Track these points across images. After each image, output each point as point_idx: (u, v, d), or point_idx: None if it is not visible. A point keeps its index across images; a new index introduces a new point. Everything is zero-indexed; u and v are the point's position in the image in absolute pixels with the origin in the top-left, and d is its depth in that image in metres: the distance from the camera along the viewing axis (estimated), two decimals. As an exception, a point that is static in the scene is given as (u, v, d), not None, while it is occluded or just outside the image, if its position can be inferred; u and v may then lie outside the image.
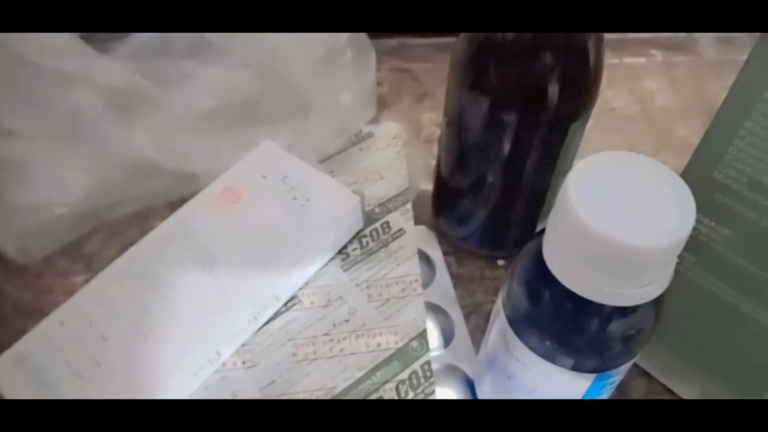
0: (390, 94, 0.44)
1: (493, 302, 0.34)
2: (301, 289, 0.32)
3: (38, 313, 0.33)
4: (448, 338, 0.32)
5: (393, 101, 0.44)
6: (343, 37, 0.37)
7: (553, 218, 0.21)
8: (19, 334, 0.29)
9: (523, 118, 0.28)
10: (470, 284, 0.35)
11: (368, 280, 0.32)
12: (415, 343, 0.30)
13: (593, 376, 0.23)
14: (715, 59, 0.46)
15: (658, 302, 0.21)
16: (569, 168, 0.31)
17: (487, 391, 0.28)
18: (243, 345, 0.31)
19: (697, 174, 0.23)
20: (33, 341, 0.29)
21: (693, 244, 0.19)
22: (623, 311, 0.21)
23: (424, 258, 0.35)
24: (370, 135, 0.39)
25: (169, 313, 0.29)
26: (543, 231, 0.22)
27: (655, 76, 0.45)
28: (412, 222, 0.35)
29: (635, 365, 0.29)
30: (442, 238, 0.37)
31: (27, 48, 0.33)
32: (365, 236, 0.34)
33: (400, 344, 0.30)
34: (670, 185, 0.20)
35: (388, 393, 0.29)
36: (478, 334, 0.33)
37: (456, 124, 0.31)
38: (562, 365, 0.23)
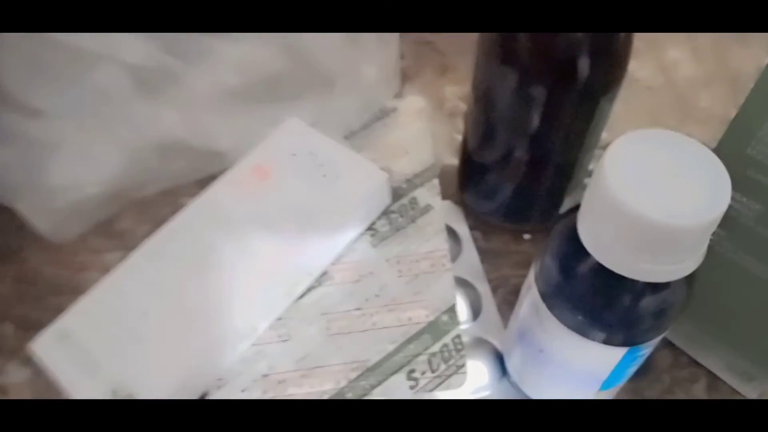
0: (412, 67, 0.44)
1: (520, 276, 0.34)
2: (332, 264, 0.33)
3: (74, 290, 0.34)
4: (476, 312, 0.33)
5: (415, 74, 0.44)
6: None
7: (589, 195, 0.21)
8: (56, 311, 0.30)
9: (552, 92, 0.28)
10: (497, 258, 0.35)
11: (397, 255, 0.33)
12: (445, 317, 0.31)
13: (625, 349, 0.24)
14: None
15: (690, 277, 0.21)
16: (597, 142, 0.32)
17: (517, 363, 0.29)
18: (278, 319, 0.31)
19: (730, 150, 0.23)
20: (73, 318, 0.30)
21: (724, 219, 0.19)
22: (656, 287, 0.22)
23: (451, 233, 0.35)
24: (394, 110, 0.39)
25: (205, 289, 0.30)
26: (575, 208, 0.23)
27: (678, 46, 0.45)
28: (439, 198, 0.35)
29: (662, 336, 0.29)
30: (468, 212, 0.37)
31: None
32: (393, 212, 0.34)
33: (431, 318, 0.31)
34: (705, 163, 0.20)
35: (421, 365, 0.30)
36: (505, 307, 0.33)
37: (484, 98, 0.31)
38: (593, 339, 0.23)
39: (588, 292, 0.23)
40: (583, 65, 0.27)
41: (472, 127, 0.33)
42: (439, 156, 0.38)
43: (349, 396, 0.29)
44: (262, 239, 0.31)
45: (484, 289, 0.34)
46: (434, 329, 0.31)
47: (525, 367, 0.28)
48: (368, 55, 0.38)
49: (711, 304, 0.28)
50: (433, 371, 0.29)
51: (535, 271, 0.25)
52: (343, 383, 0.29)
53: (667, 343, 0.32)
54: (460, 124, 0.41)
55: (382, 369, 0.30)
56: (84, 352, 0.29)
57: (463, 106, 0.42)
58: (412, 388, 0.29)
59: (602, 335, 0.23)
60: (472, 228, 0.36)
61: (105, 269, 0.34)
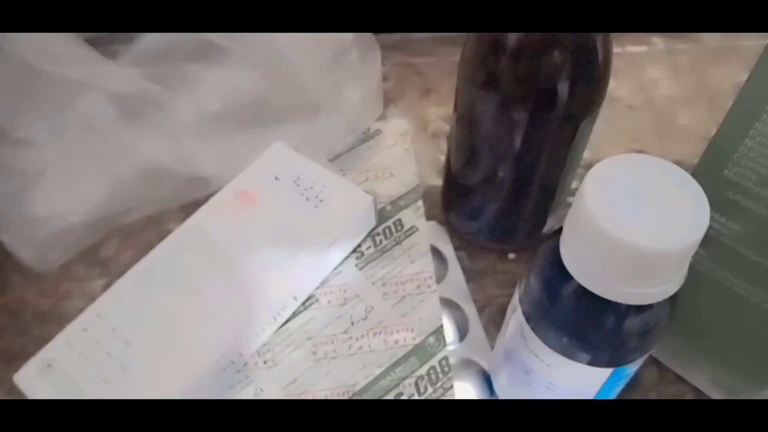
0: (395, 89, 0.44)
1: (506, 296, 0.35)
2: (318, 288, 0.33)
3: (59, 319, 0.34)
4: (462, 332, 0.33)
5: (398, 96, 0.44)
6: (349, 36, 0.37)
7: (570, 220, 0.21)
8: (41, 341, 0.30)
9: (533, 116, 0.28)
10: (482, 278, 0.35)
11: (383, 277, 0.33)
12: (432, 339, 0.31)
13: (610, 370, 0.24)
14: (716, 46, 0.47)
15: (673, 297, 0.22)
16: (579, 162, 0.32)
17: (504, 384, 0.29)
18: (264, 345, 0.31)
19: (708, 171, 0.24)
20: (57, 348, 0.30)
21: (705, 239, 0.19)
22: (639, 308, 0.22)
23: (436, 253, 0.36)
24: (378, 132, 0.40)
25: (190, 316, 0.30)
26: (558, 231, 0.23)
27: (658, 65, 0.46)
28: (424, 219, 0.35)
29: (647, 355, 0.29)
30: (453, 232, 0.37)
31: (36, 56, 0.33)
32: (378, 234, 0.35)
33: (418, 341, 0.31)
34: (684, 187, 0.20)
35: (408, 389, 0.30)
36: (492, 327, 0.33)
37: (466, 120, 0.31)
38: (579, 360, 0.24)
39: (572, 314, 0.23)
40: (563, 90, 0.27)
41: (455, 149, 0.33)
42: (423, 177, 0.38)
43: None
44: (247, 264, 0.31)
45: (470, 309, 0.34)
46: (421, 352, 0.31)
47: (512, 387, 0.28)
48: (351, 78, 0.38)
49: (695, 321, 0.28)
50: (420, 394, 0.29)
51: (520, 292, 0.25)
52: (331, 408, 0.29)
53: (652, 360, 0.32)
54: (444, 145, 0.41)
55: (369, 393, 0.30)
56: (69, 383, 0.29)
57: (446, 128, 0.42)
58: (400, 411, 0.29)
59: (587, 356, 0.23)
60: (457, 248, 0.36)
61: (89, 297, 0.34)
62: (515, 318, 0.26)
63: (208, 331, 0.30)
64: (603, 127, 0.30)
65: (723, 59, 0.46)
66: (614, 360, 0.24)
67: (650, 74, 0.45)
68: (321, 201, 0.33)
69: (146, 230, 0.37)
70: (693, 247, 0.19)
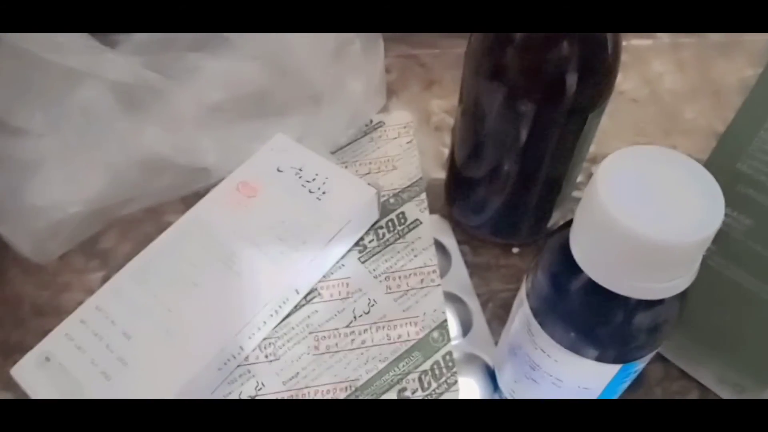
0: (398, 81, 0.44)
1: (509, 290, 0.34)
2: (320, 281, 0.32)
3: (57, 311, 0.33)
4: (466, 327, 0.33)
5: (401, 88, 0.43)
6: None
7: (581, 212, 0.21)
8: (39, 333, 0.30)
9: (540, 108, 0.28)
10: (486, 273, 0.35)
11: (386, 271, 0.33)
12: (435, 334, 0.30)
13: (618, 366, 0.23)
14: (721, 41, 0.46)
15: (683, 293, 0.21)
16: (585, 156, 0.32)
17: (508, 380, 0.29)
18: (265, 339, 0.31)
19: (720, 165, 0.23)
20: (55, 341, 0.29)
21: (716, 234, 0.19)
22: (649, 303, 0.21)
23: (439, 247, 0.35)
24: (380, 124, 0.39)
25: (190, 309, 0.29)
26: (566, 224, 0.23)
27: (663, 58, 0.45)
28: (427, 212, 0.35)
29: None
30: (456, 226, 0.37)
31: (35, 45, 0.33)
32: (381, 227, 0.34)
33: (421, 335, 0.30)
34: (698, 180, 0.20)
35: (411, 384, 0.29)
36: (495, 322, 0.33)
37: (471, 113, 0.31)
38: (586, 356, 0.23)
39: (580, 309, 0.23)
40: (572, 81, 0.27)
41: (460, 142, 0.33)
42: (426, 170, 0.38)
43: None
44: (248, 257, 0.31)
45: (473, 304, 0.33)
46: (425, 346, 0.30)
47: (517, 383, 0.28)
48: (354, 70, 0.38)
49: (702, 317, 0.28)
50: (424, 389, 0.29)
51: (527, 287, 0.25)
52: (333, 403, 0.29)
53: (658, 357, 0.32)
54: (447, 138, 0.41)
55: (372, 388, 0.29)
56: (67, 377, 0.28)
57: (449, 120, 0.42)
58: (403, 407, 0.29)
59: (595, 352, 0.23)
60: (460, 242, 0.36)
61: (88, 289, 0.34)
62: (521, 313, 0.25)
63: (209, 325, 0.29)
64: (608, 121, 0.30)
65: (728, 53, 0.45)
66: (622, 356, 0.23)
67: (655, 68, 0.45)
68: (323, 193, 0.33)
69: (146, 222, 0.37)
70: (707, 241, 0.19)
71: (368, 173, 0.37)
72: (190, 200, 0.35)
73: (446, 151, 0.40)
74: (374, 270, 0.33)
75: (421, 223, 0.34)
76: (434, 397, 0.29)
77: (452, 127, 0.34)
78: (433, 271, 0.32)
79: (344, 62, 0.37)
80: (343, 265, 0.33)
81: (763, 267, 0.24)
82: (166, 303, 0.30)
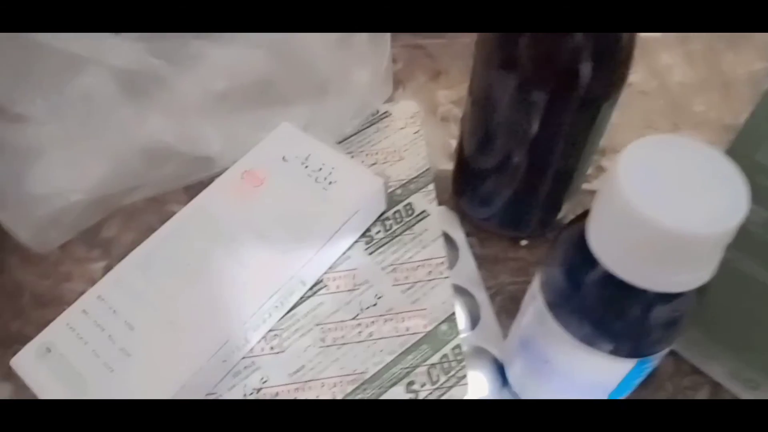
0: (404, 71, 0.43)
1: (517, 283, 0.34)
2: (326, 273, 0.32)
3: (58, 301, 0.33)
4: (474, 320, 0.32)
5: (407, 78, 0.43)
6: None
7: (600, 202, 0.20)
8: (39, 324, 0.29)
9: (553, 98, 0.27)
10: (493, 265, 0.34)
11: (393, 263, 0.32)
12: (444, 327, 0.30)
13: (634, 361, 0.23)
14: (730, 33, 0.46)
15: (701, 287, 0.21)
16: (596, 148, 0.31)
17: (519, 374, 0.28)
18: (270, 330, 0.30)
19: (739, 156, 0.23)
20: (56, 331, 0.29)
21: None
22: (668, 297, 0.21)
23: (447, 239, 0.35)
24: (387, 114, 0.38)
25: (195, 300, 0.29)
26: (582, 215, 0.22)
27: (671, 51, 0.45)
28: (435, 203, 0.34)
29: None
30: (463, 218, 0.36)
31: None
32: (388, 219, 0.34)
33: (429, 328, 0.30)
34: (721, 170, 0.19)
35: (420, 377, 0.29)
36: (503, 315, 0.32)
37: (482, 103, 0.30)
38: (601, 350, 0.23)
39: (597, 302, 0.22)
40: (586, 70, 0.26)
41: (469, 132, 0.32)
42: (433, 161, 0.37)
43: (346, 409, 0.28)
44: (253, 247, 0.30)
45: (481, 296, 0.33)
46: (433, 339, 0.30)
47: (528, 377, 0.28)
48: (360, 59, 0.37)
49: (716, 311, 0.27)
50: (433, 383, 0.29)
51: (541, 280, 0.24)
52: (340, 396, 0.28)
53: (669, 351, 0.31)
54: (454, 129, 0.40)
55: (380, 381, 0.29)
56: (68, 368, 0.28)
57: (456, 111, 0.41)
58: (411, 400, 0.28)
59: (610, 346, 0.23)
60: (467, 234, 0.36)
61: (89, 279, 0.33)
62: (535, 305, 0.25)
63: (213, 316, 0.29)
64: (616, 113, 0.29)
65: (738, 46, 0.45)
66: (638, 350, 0.23)
67: (664, 60, 0.45)
68: (330, 183, 0.32)
69: (148, 211, 0.36)
70: (731, 233, 0.19)
71: (374, 164, 0.36)
72: (193, 190, 0.34)
73: (453, 143, 0.39)
74: (381, 262, 0.32)
75: (428, 214, 0.34)
76: (443, 390, 0.28)
77: (461, 118, 0.34)
78: (441, 263, 0.32)
79: (350, 51, 0.37)
80: (349, 257, 0.32)
81: (780, 260, 0.24)
82: (169, 293, 0.29)
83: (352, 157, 0.36)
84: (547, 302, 0.24)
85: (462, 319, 0.32)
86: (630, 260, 0.20)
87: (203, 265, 0.30)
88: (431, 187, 0.35)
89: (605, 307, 0.22)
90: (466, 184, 0.35)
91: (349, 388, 0.29)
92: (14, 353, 0.28)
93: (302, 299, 0.31)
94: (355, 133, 0.38)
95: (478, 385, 0.30)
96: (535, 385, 0.27)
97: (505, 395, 0.30)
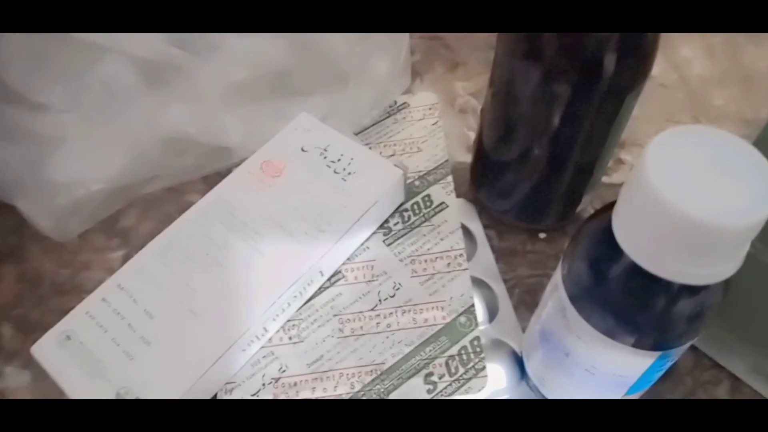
0: (422, 62, 0.43)
1: (536, 276, 0.34)
2: (344, 264, 0.32)
3: (77, 290, 0.33)
4: (492, 312, 0.32)
5: (425, 70, 0.43)
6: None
7: (627, 193, 0.20)
8: (59, 312, 0.29)
9: (577, 90, 0.27)
10: (512, 258, 0.34)
11: (411, 254, 0.32)
12: (463, 319, 0.30)
13: (657, 354, 0.23)
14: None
15: (726, 280, 0.21)
16: (618, 140, 0.31)
17: (538, 366, 0.28)
18: (289, 320, 0.30)
19: (765, 148, 0.22)
20: (76, 319, 0.29)
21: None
22: (693, 289, 0.21)
23: (465, 231, 0.35)
24: (405, 106, 0.38)
25: (214, 289, 0.29)
26: (607, 206, 0.22)
27: (692, 44, 0.44)
28: (453, 195, 0.34)
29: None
30: (482, 210, 0.36)
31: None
32: (407, 210, 0.34)
33: (448, 319, 0.30)
34: (750, 161, 0.19)
35: (438, 368, 0.29)
36: (521, 308, 0.32)
37: (503, 94, 0.30)
38: (624, 343, 0.23)
39: (621, 294, 0.22)
40: (611, 61, 0.26)
41: (489, 124, 0.32)
42: (451, 153, 0.37)
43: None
44: (272, 237, 0.30)
45: (499, 289, 0.33)
46: (452, 331, 0.30)
47: (547, 370, 0.28)
48: (379, 50, 0.37)
49: (737, 305, 0.27)
50: (451, 375, 0.29)
51: (563, 272, 0.24)
52: (358, 387, 0.29)
53: (689, 345, 0.31)
54: (472, 121, 0.40)
55: (398, 372, 0.29)
56: (87, 355, 0.28)
57: (474, 103, 0.41)
58: (429, 392, 0.28)
59: (633, 339, 0.22)
60: (486, 226, 0.35)
61: (108, 268, 0.34)
62: (556, 297, 0.25)
63: (232, 305, 0.29)
64: (636, 106, 0.29)
65: (758, 39, 0.44)
66: (661, 343, 0.23)
67: (684, 53, 0.44)
68: (349, 174, 0.32)
69: (167, 201, 0.36)
70: (759, 225, 0.18)
71: (393, 155, 0.36)
72: (211, 180, 0.34)
73: (471, 134, 0.39)
74: (399, 253, 0.32)
75: (447, 206, 0.34)
76: (462, 382, 0.28)
77: (480, 109, 0.34)
78: (460, 255, 0.32)
79: (369, 42, 0.37)
80: (367, 248, 0.32)
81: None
82: (189, 283, 0.29)
83: (370, 148, 0.36)
84: (569, 294, 0.23)
85: (480, 312, 0.32)
86: (657, 252, 0.20)
87: (222, 254, 0.30)
88: (450, 179, 0.35)
89: (629, 299, 0.22)
90: (484, 176, 0.35)
91: (368, 379, 0.29)
92: (34, 341, 0.28)
93: (321, 290, 0.31)
94: (374, 124, 0.37)
95: (497, 378, 0.30)
96: (555, 377, 0.27)
97: (523, 387, 0.30)
